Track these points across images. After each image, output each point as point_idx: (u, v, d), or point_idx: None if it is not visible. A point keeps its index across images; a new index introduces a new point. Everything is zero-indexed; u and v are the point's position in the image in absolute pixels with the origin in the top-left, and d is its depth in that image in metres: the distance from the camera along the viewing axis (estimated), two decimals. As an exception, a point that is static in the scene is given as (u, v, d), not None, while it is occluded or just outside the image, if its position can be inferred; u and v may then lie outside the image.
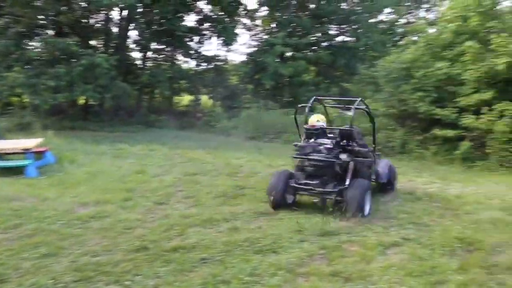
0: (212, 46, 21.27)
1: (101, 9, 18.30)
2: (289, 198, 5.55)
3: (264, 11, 22.57)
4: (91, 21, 20.27)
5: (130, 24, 19.13)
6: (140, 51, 21.69)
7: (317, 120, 6.08)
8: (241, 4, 21.51)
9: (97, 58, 14.62)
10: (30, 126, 12.67)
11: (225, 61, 22.44)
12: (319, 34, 21.07)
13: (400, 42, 16.59)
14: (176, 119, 19.46)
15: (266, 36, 21.64)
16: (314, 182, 5.30)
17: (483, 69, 10.49)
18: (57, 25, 18.11)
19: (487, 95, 10.39)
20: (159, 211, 5.45)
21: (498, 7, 11.28)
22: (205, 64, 21.53)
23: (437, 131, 10.96)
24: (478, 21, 10.95)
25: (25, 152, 7.71)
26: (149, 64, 21.61)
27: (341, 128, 6.06)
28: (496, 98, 10.40)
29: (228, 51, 22.23)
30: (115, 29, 20.71)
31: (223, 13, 20.01)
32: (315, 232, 4.60)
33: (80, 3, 17.85)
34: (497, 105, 10.19)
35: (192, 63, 22.22)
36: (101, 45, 20.80)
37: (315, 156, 5.41)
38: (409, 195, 6.64)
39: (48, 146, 8.69)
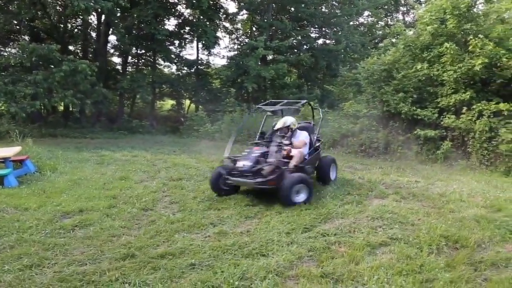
0: (193, 50, 21.12)
1: (78, 13, 18.00)
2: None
3: (244, 14, 22.63)
4: (69, 26, 19.95)
5: (109, 29, 18.86)
6: (120, 56, 21.45)
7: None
8: (221, 8, 21.53)
9: (80, 64, 14.37)
10: (8, 135, 12.33)
11: (207, 65, 22.38)
12: (300, 37, 21.23)
13: (380, 44, 16.83)
14: (159, 124, 19.28)
15: (247, 40, 21.68)
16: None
17: (461, 70, 10.76)
18: (32, 30, 17.74)
19: (466, 95, 10.66)
20: (145, 217, 5.36)
21: (473, 10, 11.57)
22: (187, 68, 21.43)
23: (419, 131, 11.16)
24: (454, 24, 11.22)
25: (4, 161, 7.49)
26: (129, 69, 21.37)
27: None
28: (474, 98, 10.68)
29: (209, 54, 22.19)
30: (93, 34, 20.43)
31: (203, 17, 19.96)
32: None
33: (56, 8, 17.51)
34: (475, 105, 10.46)
35: (173, 68, 22.12)
36: (80, 51, 20.49)
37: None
38: (394, 195, 6.72)
39: (27, 154, 8.47)
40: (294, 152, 6.42)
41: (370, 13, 23.89)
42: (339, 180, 7.67)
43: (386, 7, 24.69)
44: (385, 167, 9.95)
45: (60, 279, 3.51)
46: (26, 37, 17.49)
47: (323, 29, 22.30)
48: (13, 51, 17.46)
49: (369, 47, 20.39)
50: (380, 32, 24.16)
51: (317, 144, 7.40)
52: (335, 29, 21.72)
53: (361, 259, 4.00)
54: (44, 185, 7.01)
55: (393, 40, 15.37)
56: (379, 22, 25.28)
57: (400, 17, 26.99)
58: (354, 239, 4.55)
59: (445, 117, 10.96)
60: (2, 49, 17.23)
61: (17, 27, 17.35)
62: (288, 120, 6.86)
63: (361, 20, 24.76)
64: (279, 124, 6.88)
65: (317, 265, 3.91)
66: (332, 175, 7.39)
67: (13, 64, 15.19)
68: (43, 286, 3.38)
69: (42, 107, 15.35)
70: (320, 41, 22.33)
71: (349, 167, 9.65)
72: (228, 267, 3.75)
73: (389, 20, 26.09)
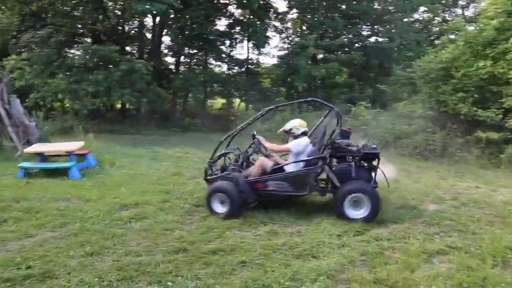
0: (243, 50, 21.38)
1: (135, 16, 18.87)
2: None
3: (294, 13, 22.51)
4: (126, 28, 20.95)
5: (163, 30, 19.58)
6: (173, 56, 22.19)
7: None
8: (271, 7, 21.57)
9: (136, 64, 15.10)
10: (72, 130, 13.18)
11: (257, 64, 22.55)
12: (351, 35, 20.75)
13: (437, 41, 16.04)
14: (209, 122, 19.67)
15: (297, 39, 21.55)
16: None
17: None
18: (94, 33, 18.81)
19: (535, 95, 9.89)
20: (197, 213, 5.49)
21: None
22: (237, 67, 21.71)
23: (481, 133, 10.50)
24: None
25: (68, 154, 8.01)
26: (182, 68, 22.03)
27: None
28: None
29: (259, 54, 22.33)
30: (149, 35, 21.30)
31: (253, 16, 20.12)
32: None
33: (115, 11, 18.45)
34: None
35: (224, 67, 22.51)
36: (136, 51, 21.45)
37: None
38: (452, 200, 6.38)
39: (89, 149, 8.99)
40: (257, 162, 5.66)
41: (426, 9, 22.77)
42: (392, 183, 7.37)
43: (443, 1, 23.42)
44: (442, 171, 9.48)
45: (118, 268, 3.69)
46: (88, 40, 18.60)
47: (376, 26, 21.58)
48: (77, 52, 18.65)
49: (424, 45, 19.43)
50: (437, 28, 23.01)
51: (323, 154, 5.55)
52: (388, 27, 20.95)
53: (417, 267, 3.83)
54: (104, 178, 7.41)
55: (452, 36, 14.57)
56: (436, 18, 24.05)
57: (459, 11, 25.48)
58: (409, 245, 4.37)
59: (511, 118, 10.22)
60: (67, 51, 18.42)
61: (81, 30, 18.48)
62: (291, 123, 5.91)
63: (416, 16, 23.63)
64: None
65: (370, 270, 3.80)
66: (353, 212, 5.12)
67: (77, 64, 16.21)
68: (103, 273, 3.56)
69: (102, 105, 16.24)
70: (372, 39, 21.66)
71: (403, 170, 9.27)
72: (279, 267, 3.74)
73: (446, 15, 24.76)
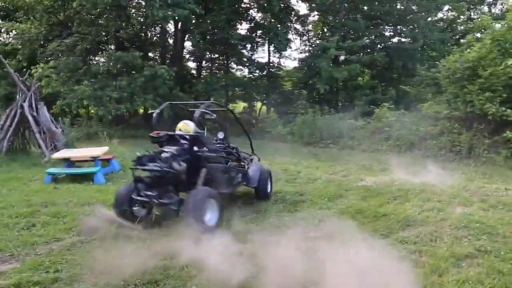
0: (264, 53, 21.45)
1: (158, 22, 19.21)
2: (140, 212, 5.13)
3: (315, 15, 22.44)
4: (149, 34, 21.35)
5: (185, 36, 19.86)
6: (195, 61, 22.47)
7: (179, 128, 5.64)
8: (292, 10, 21.56)
9: (159, 69, 15.38)
10: (96, 136, 13.51)
11: (278, 67, 22.56)
12: (373, 36, 20.51)
13: (462, 40, 15.65)
14: (231, 126, 19.73)
15: (318, 41, 21.45)
16: (152, 193, 4.88)
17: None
18: (117, 40, 19.27)
19: None
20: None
21: None
22: (258, 71, 21.79)
23: (510, 134, 10.15)
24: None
25: (94, 160, 8.20)
26: (204, 73, 22.26)
27: (187, 134, 5.43)
28: None
29: (280, 57, 22.36)
30: (171, 41, 21.64)
31: (274, 19, 20.17)
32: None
33: (138, 18, 18.85)
34: None
35: (245, 71, 22.63)
36: (158, 57, 21.82)
37: (149, 167, 4.92)
38: (481, 203, 6.18)
39: (113, 154, 9.18)
40: None
41: (450, 7, 22.29)
42: (416, 185, 7.21)
43: (468, -1, 22.89)
44: (469, 172, 9.21)
45: (143, 271, 3.73)
46: (112, 47, 19.05)
47: (398, 27, 21.29)
48: (102, 59, 19.14)
49: (449, 44, 19.03)
50: (462, 27, 22.46)
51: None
52: (411, 27, 20.62)
53: (445, 271, 3.72)
54: (128, 182, 7.51)
55: (478, 35, 14.19)
56: (461, 16, 23.49)
57: (486, 9, 24.82)
58: (436, 249, 4.26)
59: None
60: (92, 58, 18.93)
61: (105, 38, 18.95)
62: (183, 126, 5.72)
63: (440, 15, 23.21)
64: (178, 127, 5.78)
65: (396, 274, 3.71)
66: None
67: (101, 71, 16.62)
68: (129, 277, 3.59)
69: (125, 110, 16.59)
70: (395, 40, 21.40)
71: (428, 172, 9.06)
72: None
73: (472, 13, 24.14)
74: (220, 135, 6.57)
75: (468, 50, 12.36)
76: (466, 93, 11.38)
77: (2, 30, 21.80)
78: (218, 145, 5.96)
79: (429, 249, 4.26)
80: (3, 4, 20.06)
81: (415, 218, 5.25)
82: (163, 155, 5.01)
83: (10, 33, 21.43)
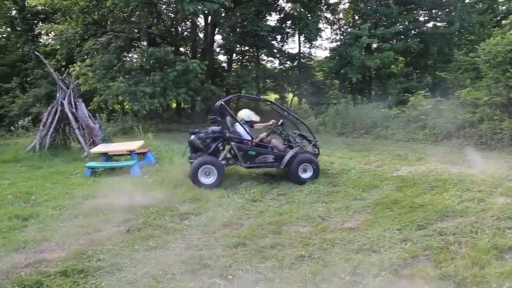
0: (295, 44, 21.25)
1: (188, 17, 19.41)
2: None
3: (346, 3, 21.94)
4: (179, 29, 21.61)
5: (215, 29, 19.96)
6: (226, 54, 22.56)
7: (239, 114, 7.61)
8: (322, -2, 21.17)
9: (191, 64, 15.59)
10: (132, 130, 13.89)
11: (309, 57, 22.28)
12: (407, 22, 19.79)
13: (504, 22, 14.84)
14: (263, 117, 19.74)
15: (350, 29, 20.98)
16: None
17: None
18: (150, 36, 19.64)
19: None
20: (254, 208, 5.55)
21: None
22: (289, 62, 21.61)
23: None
24: None
25: (130, 153, 8.45)
26: (234, 66, 22.32)
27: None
28: None
29: (311, 47, 22.04)
30: (201, 35, 21.83)
31: (304, 9, 19.89)
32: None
33: (169, 14, 19.11)
34: None
35: (276, 62, 22.50)
36: (189, 51, 22.08)
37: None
38: (525, 192, 5.89)
39: (148, 147, 9.42)
40: None
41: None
42: (454, 175, 6.95)
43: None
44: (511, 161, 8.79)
45: (181, 261, 3.84)
46: (145, 43, 19.44)
47: (433, 10, 20.43)
48: (135, 56, 19.58)
49: (489, 26, 18.09)
50: (504, 7, 21.27)
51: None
52: (447, 10, 19.72)
53: (487, 263, 3.60)
54: (163, 175, 7.71)
55: (522, 15, 13.41)
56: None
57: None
58: (477, 241, 4.12)
59: None
60: (126, 55, 19.40)
61: (138, 34, 19.36)
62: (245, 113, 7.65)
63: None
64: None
65: (435, 265, 3.64)
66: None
67: (135, 67, 17.02)
68: (167, 267, 3.73)
69: (159, 105, 16.93)
70: (430, 25, 20.52)
71: (468, 161, 8.72)
72: (339, 261, 3.69)
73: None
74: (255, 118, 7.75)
75: (511, 32, 11.72)
76: (509, 77, 10.81)
77: (42, 32, 22.71)
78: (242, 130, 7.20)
79: (470, 241, 4.13)
80: (42, 7, 20.88)
81: (454, 208, 5.08)
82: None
83: (50, 34, 22.33)
